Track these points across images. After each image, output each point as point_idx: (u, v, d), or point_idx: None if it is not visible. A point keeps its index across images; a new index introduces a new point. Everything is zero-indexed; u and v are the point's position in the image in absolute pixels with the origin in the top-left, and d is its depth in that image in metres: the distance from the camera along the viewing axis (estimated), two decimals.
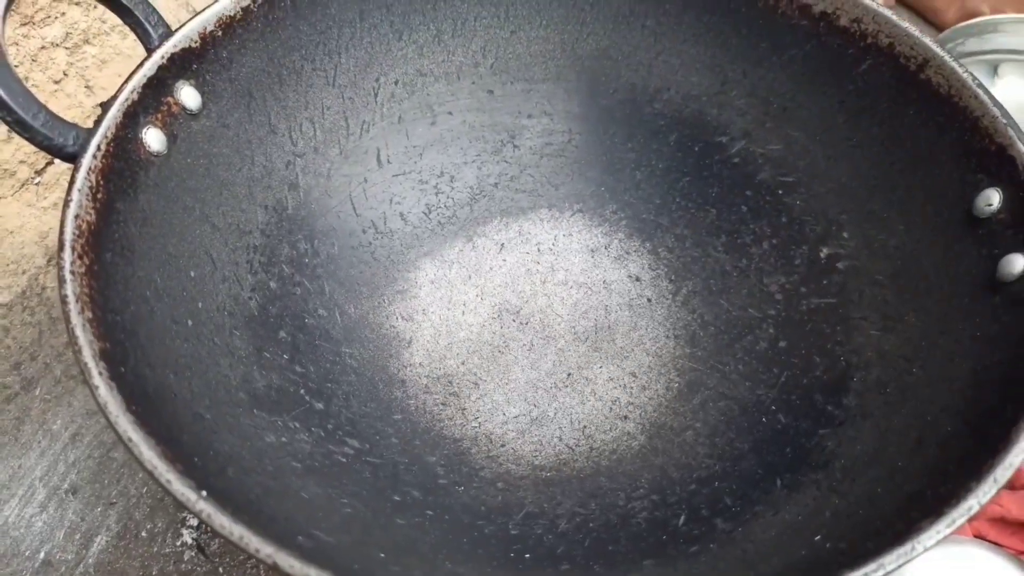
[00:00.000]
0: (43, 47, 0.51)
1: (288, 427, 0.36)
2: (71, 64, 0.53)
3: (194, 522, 0.47)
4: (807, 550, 0.29)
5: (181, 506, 0.25)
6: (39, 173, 0.53)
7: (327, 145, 0.47)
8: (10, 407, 0.50)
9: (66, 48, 0.53)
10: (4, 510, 0.47)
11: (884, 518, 0.28)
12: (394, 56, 0.48)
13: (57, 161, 0.54)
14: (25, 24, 0.49)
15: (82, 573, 0.45)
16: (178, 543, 0.46)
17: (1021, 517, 0.43)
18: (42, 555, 0.45)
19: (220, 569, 0.46)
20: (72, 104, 0.54)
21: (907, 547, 0.24)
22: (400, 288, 0.46)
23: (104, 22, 0.55)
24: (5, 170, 0.50)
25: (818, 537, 0.29)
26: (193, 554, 0.46)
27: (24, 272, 0.53)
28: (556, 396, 0.42)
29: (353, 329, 0.43)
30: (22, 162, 0.51)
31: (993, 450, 0.26)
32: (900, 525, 0.26)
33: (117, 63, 0.56)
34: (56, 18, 0.51)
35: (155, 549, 0.46)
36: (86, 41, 0.54)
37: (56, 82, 0.53)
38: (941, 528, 0.24)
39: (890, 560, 0.23)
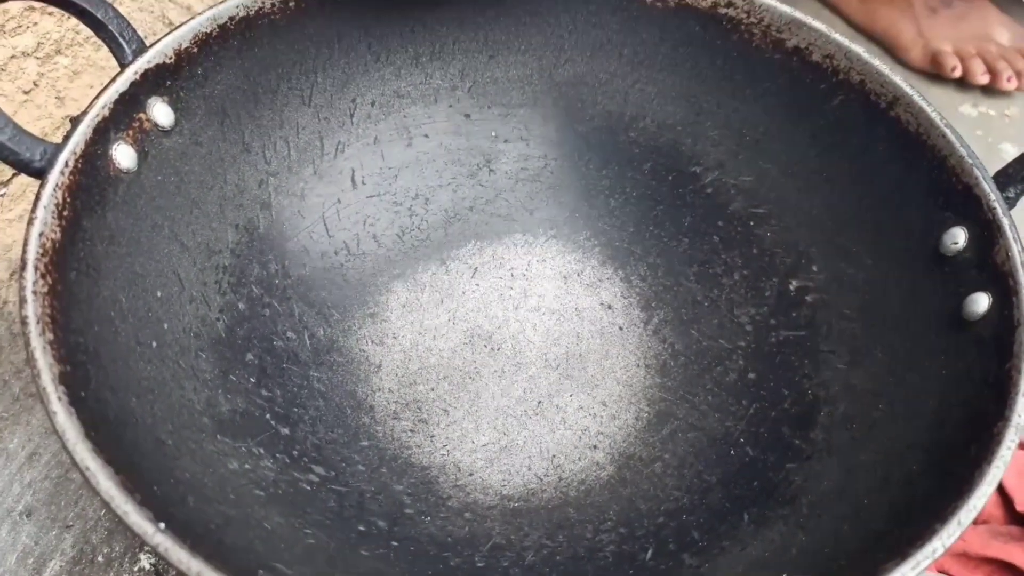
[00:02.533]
0: (13, 56, 0.50)
1: (252, 453, 0.35)
2: (42, 75, 0.53)
3: None
4: None
5: (138, 539, 0.24)
6: (4, 184, 0.52)
7: (301, 165, 0.46)
8: None
9: (37, 58, 0.52)
10: None
11: (849, 557, 0.28)
12: (371, 77, 0.48)
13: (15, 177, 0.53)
14: None
15: None
16: (135, 568, 0.45)
17: (983, 552, 0.44)
18: None
19: None
20: (42, 115, 0.53)
21: None
22: (371, 311, 0.45)
23: (78, 32, 0.54)
24: None
25: (784, 575, 0.29)
26: None
27: None
28: (526, 424, 0.42)
29: (322, 352, 0.42)
30: None
31: (957, 491, 0.27)
32: (865, 565, 0.26)
33: (90, 74, 0.56)
34: (28, 27, 0.50)
35: (111, 574, 0.45)
36: (58, 51, 0.53)
37: (26, 92, 0.52)
38: (906, 571, 0.24)
39: None
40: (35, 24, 0.51)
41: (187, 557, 0.23)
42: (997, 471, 0.27)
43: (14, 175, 0.53)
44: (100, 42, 0.56)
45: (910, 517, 0.28)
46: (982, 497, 0.26)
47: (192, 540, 0.25)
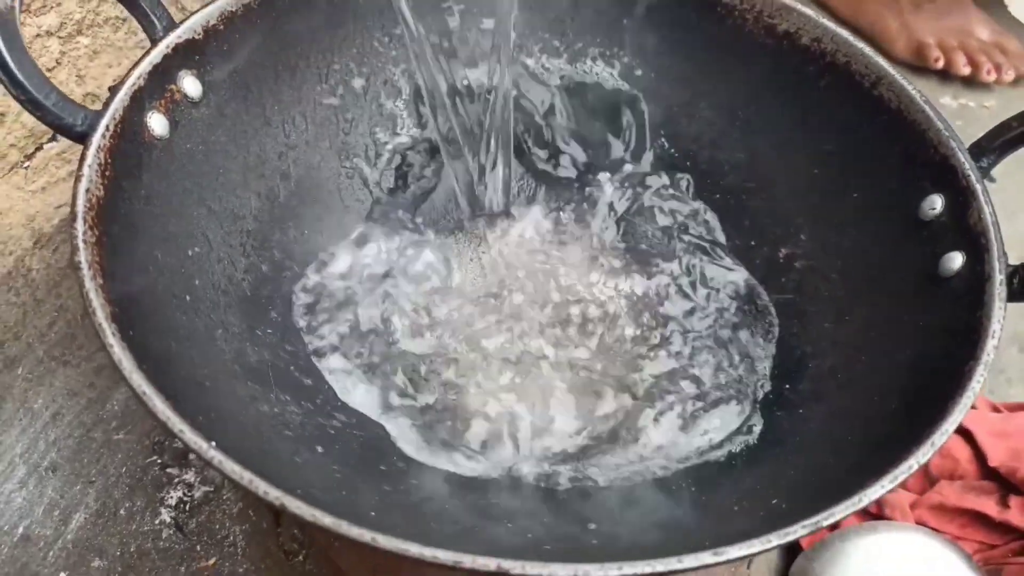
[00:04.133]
0: (38, 35, 0.52)
1: (279, 399, 0.38)
2: (64, 53, 0.55)
3: (172, 502, 0.48)
4: (765, 511, 0.32)
5: (196, 454, 0.27)
6: (29, 158, 0.54)
7: (318, 139, 0.49)
8: None
9: (60, 37, 0.54)
10: None
11: (835, 483, 0.31)
12: (384, 57, 0.51)
13: (46, 147, 0.55)
14: (22, 12, 0.51)
15: (60, 549, 0.46)
16: (156, 521, 0.47)
17: (958, 504, 0.47)
18: (21, 530, 0.46)
19: (198, 547, 0.47)
20: (64, 92, 0.55)
21: (855, 499, 0.27)
22: (383, 272, 0.47)
23: (98, 14, 0.56)
24: None
25: (775, 500, 0.32)
26: (171, 532, 0.47)
27: (11, 253, 0.54)
28: (531, 375, 0.44)
29: (343, 308, 0.44)
30: (12, 146, 0.52)
31: (931, 420, 0.29)
32: (848, 487, 0.29)
33: (108, 54, 0.58)
34: (52, 7, 0.52)
35: (133, 527, 0.47)
36: (79, 32, 0.55)
37: (49, 70, 0.54)
38: (885, 483, 0.27)
39: (839, 510, 0.26)
40: (59, 4, 0.53)
41: (240, 468, 0.26)
42: (967, 401, 0.29)
43: (36, 150, 0.55)
44: (118, 24, 0.58)
45: (889, 448, 0.30)
46: (953, 423, 0.29)
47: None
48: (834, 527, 0.41)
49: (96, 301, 0.30)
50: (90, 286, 0.30)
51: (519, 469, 0.38)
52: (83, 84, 0.57)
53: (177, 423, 0.27)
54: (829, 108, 0.45)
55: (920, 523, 0.47)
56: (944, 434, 0.28)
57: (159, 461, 0.49)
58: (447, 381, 0.43)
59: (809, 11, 0.46)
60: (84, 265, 0.31)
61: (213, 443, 0.27)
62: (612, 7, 0.51)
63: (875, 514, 0.47)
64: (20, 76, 0.34)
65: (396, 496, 0.35)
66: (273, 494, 0.25)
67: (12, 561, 0.45)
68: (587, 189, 0.52)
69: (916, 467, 0.27)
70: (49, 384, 0.51)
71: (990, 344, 0.31)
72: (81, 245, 0.32)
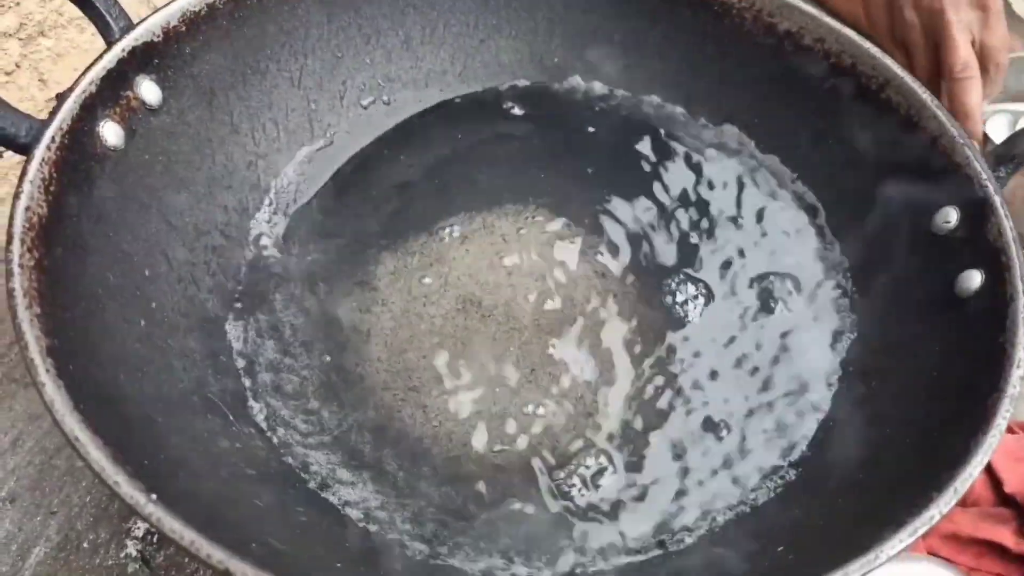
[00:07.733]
0: None
1: (243, 433, 0.35)
2: (24, 56, 0.52)
3: (139, 533, 0.45)
4: (770, 561, 0.29)
5: (130, 510, 0.24)
6: None
7: (290, 147, 0.46)
8: None
9: (20, 39, 0.51)
10: None
11: (846, 529, 0.28)
12: (361, 60, 0.48)
13: (7, 155, 0.52)
14: None
15: None
16: (122, 555, 0.45)
17: (973, 533, 0.44)
18: None
19: None
20: (24, 97, 0.52)
21: (871, 555, 0.24)
22: (359, 279, 0.44)
23: (61, 15, 0.53)
24: None
25: (780, 548, 0.29)
26: (137, 567, 0.44)
27: None
28: (520, 392, 0.41)
29: (311, 326, 0.41)
30: None
31: (952, 462, 0.27)
32: (862, 535, 0.26)
33: (73, 57, 0.55)
34: (10, 7, 0.50)
35: (97, 561, 0.44)
36: (41, 33, 0.52)
37: (7, 73, 0.51)
38: (904, 536, 0.24)
39: (854, 568, 0.24)
40: (17, 4, 0.50)
41: (180, 527, 0.23)
42: (993, 440, 0.27)
43: None
44: (84, 24, 0.55)
45: (905, 489, 0.28)
46: (977, 466, 0.26)
47: (183, 513, 0.24)
48: None
49: (30, 334, 0.27)
50: (23, 316, 0.28)
51: None
52: (46, 89, 0.54)
53: (112, 474, 0.24)
54: (834, 113, 0.43)
55: (932, 553, 0.45)
56: (968, 479, 0.26)
57: None
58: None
59: (812, 9, 0.43)
60: (19, 293, 0.28)
61: (154, 496, 0.24)
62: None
63: None
64: None
65: (368, 540, 0.32)
66: (216, 557, 0.23)
67: None
68: None
69: (938, 517, 0.25)
70: (8, 408, 0.48)
71: (1015, 374, 0.29)
72: (17, 270, 0.29)
